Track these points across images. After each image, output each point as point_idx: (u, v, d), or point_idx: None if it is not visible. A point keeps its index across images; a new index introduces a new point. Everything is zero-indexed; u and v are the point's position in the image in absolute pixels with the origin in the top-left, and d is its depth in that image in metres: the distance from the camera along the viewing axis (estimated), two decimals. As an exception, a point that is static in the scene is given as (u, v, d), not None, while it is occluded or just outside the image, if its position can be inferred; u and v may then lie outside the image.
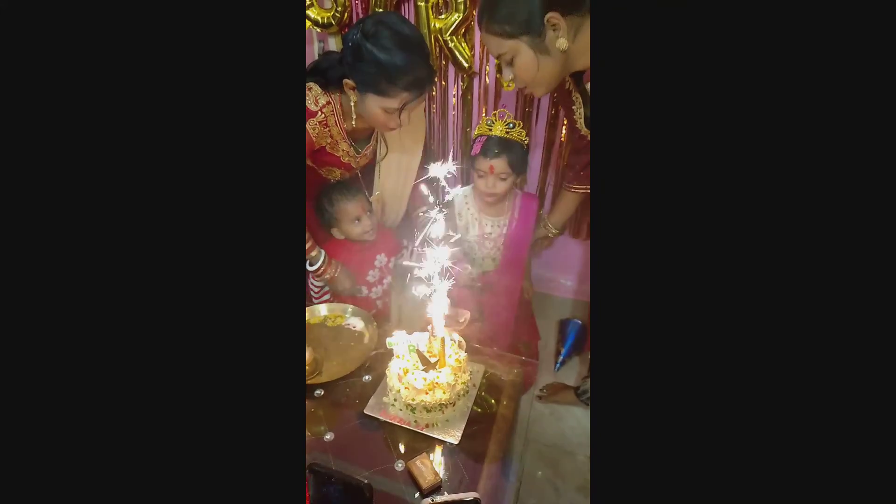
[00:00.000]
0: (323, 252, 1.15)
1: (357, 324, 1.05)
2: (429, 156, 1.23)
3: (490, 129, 1.14)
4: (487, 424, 0.86)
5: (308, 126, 0.99)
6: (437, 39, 1.31)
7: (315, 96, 0.98)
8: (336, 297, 1.25)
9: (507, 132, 1.13)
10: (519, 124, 1.14)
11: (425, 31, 1.30)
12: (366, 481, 0.52)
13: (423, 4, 1.27)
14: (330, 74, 0.97)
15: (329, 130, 1.02)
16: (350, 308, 1.08)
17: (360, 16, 1.40)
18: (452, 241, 0.80)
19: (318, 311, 1.08)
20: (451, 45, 1.30)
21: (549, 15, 0.81)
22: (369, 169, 1.20)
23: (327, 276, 1.17)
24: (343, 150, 1.08)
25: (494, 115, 1.17)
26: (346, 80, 0.94)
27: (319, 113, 0.99)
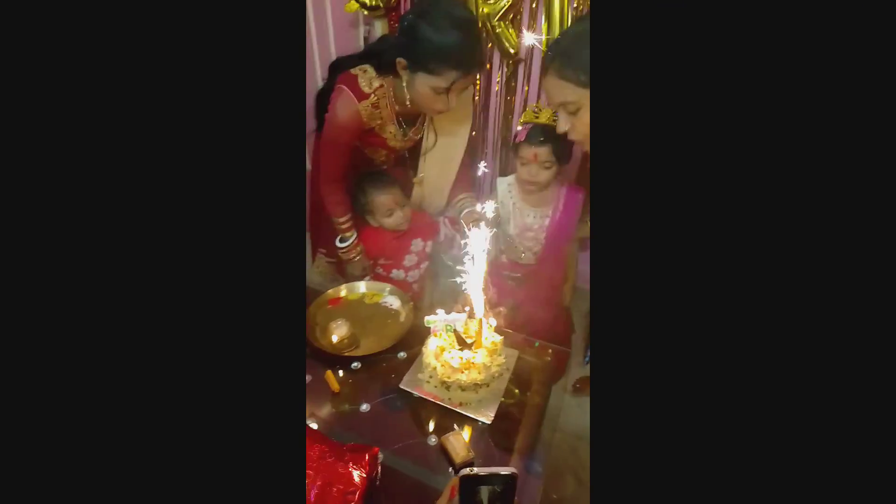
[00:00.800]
0: (355, 234, 1.19)
1: (394, 302, 1.08)
2: (473, 144, 1.24)
3: (536, 117, 1.14)
4: (519, 408, 0.87)
5: (360, 107, 1.01)
6: (484, 24, 1.31)
7: (369, 79, 1.01)
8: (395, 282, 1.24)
9: (553, 120, 1.11)
10: None
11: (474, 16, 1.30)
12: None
13: (470, -13, 1.26)
14: (384, 58, 0.99)
15: (380, 112, 1.04)
16: (388, 287, 1.11)
17: (408, 1, 1.40)
18: (492, 232, 0.81)
19: (357, 288, 1.11)
20: (497, 30, 1.29)
21: None
22: (414, 153, 1.21)
23: (349, 255, 1.21)
24: (390, 133, 1.10)
25: (541, 103, 1.17)
26: (398, 59, 0.95)
27: (372, 95, 1.01)
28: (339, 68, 1.06)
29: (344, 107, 1.01)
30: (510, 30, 1.30)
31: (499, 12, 1.27)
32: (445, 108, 0.97)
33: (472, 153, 1.29)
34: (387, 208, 1.20)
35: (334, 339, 0.94)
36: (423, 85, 0.93)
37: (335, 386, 0.87)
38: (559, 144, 1.12)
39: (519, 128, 1.17)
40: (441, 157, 1.20)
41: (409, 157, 1.22)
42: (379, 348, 0.95)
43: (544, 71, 0.93)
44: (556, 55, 0.87)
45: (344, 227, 1.18)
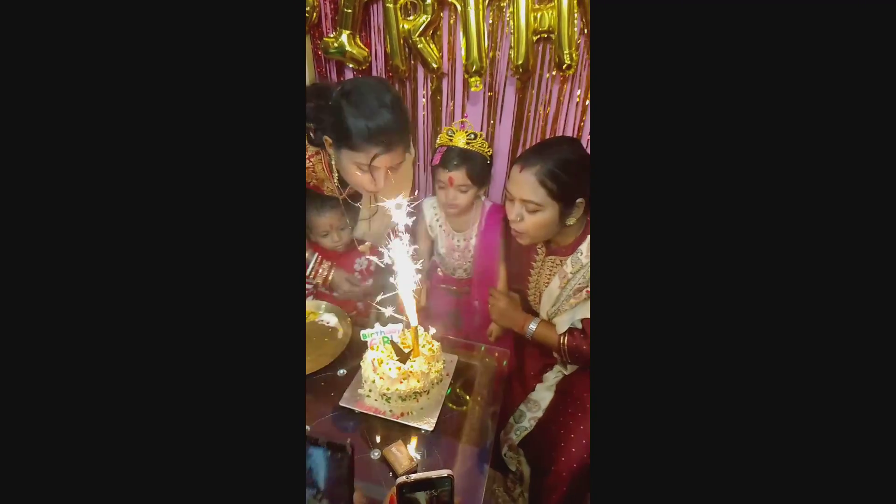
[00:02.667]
0: (316, 254, 1.18)
1: (330, 319, 1.06)
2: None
3: (451, 140, 1.13)
4: (461, 411, 0.89)
5: None
6: (405, 41, 1.34)
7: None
8: (339, 302, 1.20)
9: (468, 143, 1.13)
10: (481, 135, 1.13)
11: (394, 32, 1.32)
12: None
13: (391, 6, 1.29)
14: (316, 136, 1.00)
15: (317, 174, 1.07)
16: (324, 304, 1.09)
17: (330, 17, 1.41)
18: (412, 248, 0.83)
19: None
20: (419, 46, 1.33)
21: (580, 199, 0.99)
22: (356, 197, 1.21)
23: (319, 278, 1.18)
24: (328, 189, 1.12)
25: (455, 125, 1.16)
26: (325, 137, 0.97)
27: (308, 161, 1.04)
28: None
29: None
30: (431, 45, 1.34)
31: (419, 28, 1.31)
32: (374, 188, 0.97)
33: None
34: (323, 230, 1.20)
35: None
36: (348, 161, 0.94)
37: None
38: (475, 167, 1.12)
39: (435, 151, 1.19)
40: (382, 213, 1.20)
41: (347, 204, 1.21)
42: (317, 367, 0.93)
43: (521, 162, 1.00)
44: (539, 159, 0.96)
45: None
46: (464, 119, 1.18)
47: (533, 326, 1.15)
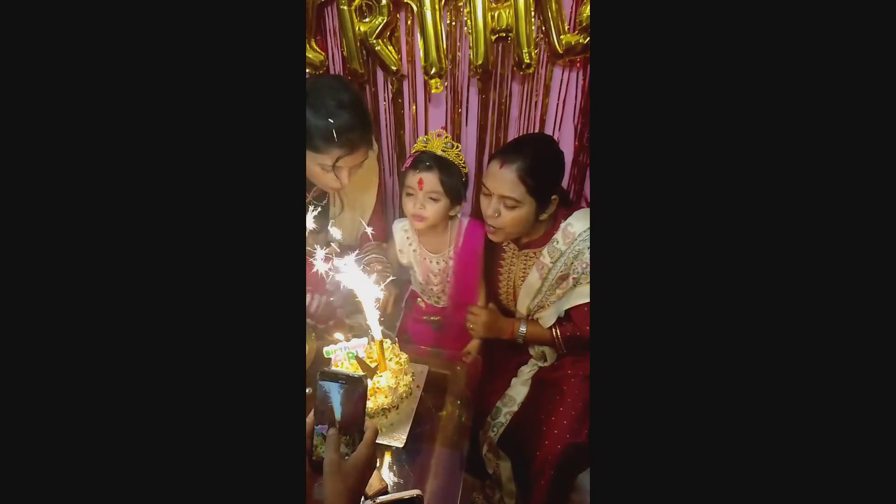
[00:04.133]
0: None
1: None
2: (383, 204, 1.23)
3: (426, 146, 1.09)
4: (433, 424, 0.87)
5: None
6: (362, 43, 1.30)
7: None
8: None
9: (443, 151, 1.06)
10: (458, 147, 1.07)
11: (350, 35, 1.29)
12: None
13: (345, 8, 1.25)
14: None
15: None
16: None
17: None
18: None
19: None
20: (377, 48, 1.30)
21: (555, 196, 1.00)
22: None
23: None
24: None
25: (432, 134, 1.10)
26: None
27: None
28: None
29: None
30: (389, 47, 1.31)
31: (376, 30, 1.28)
32: (338, 186, 0.96)
33: (383, 202, 1.27)
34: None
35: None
36: (311, 162, 0.92)
37: None
38: (449, 176, 1.05)
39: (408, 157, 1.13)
40: (350, 217, 1.17)
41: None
42: (282, 387, 0.89)
43: (500, 157, 0.98)
44: (518, 155, 0.94)
45: None
46: (440, 130, 1.12)
47: (523, 329, 1.13)
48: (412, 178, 1.06)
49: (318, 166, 0.92)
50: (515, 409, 1.10)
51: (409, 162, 1.09)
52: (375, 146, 1.14)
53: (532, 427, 1.02)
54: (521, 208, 0.97)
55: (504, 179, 0.95)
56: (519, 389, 1.14)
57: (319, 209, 1.14)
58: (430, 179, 1.04)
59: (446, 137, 1.09)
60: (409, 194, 1.08)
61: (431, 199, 1.05)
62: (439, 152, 1.06)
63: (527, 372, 1.18)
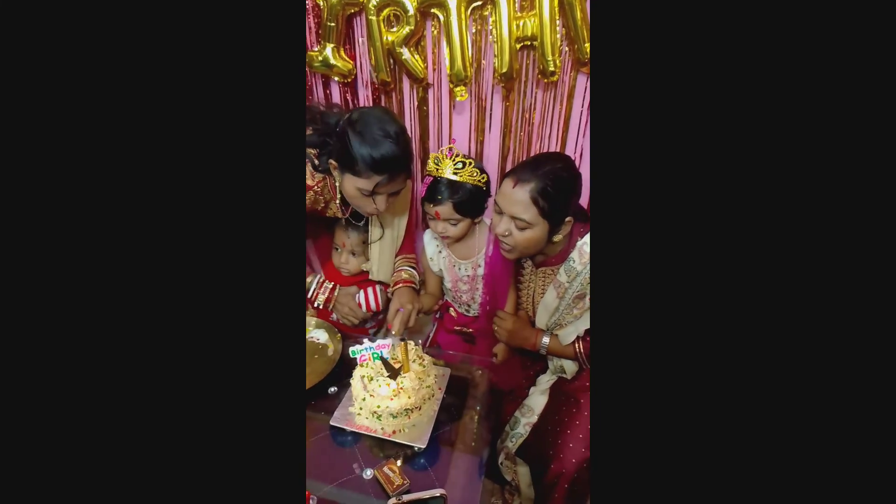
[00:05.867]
0: (316, 276, 1.17)
1: (321, 336, 1.05)
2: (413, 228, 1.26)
3: (437, 169, 1.06)
4: (454, 427, 0.88)
5: (306, 197, 1.05)
6: (389, 53, 1.34)
7: (311, 172, 1.04)
8: (346, 328, 1.19)
9: (455, 172, 1.04)
10: (470, 163, 1.05)
11: (377, 45, 1.32)
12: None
13: (374, 18, 1.29)
14: (321, 161, 1.02)
15: (323, 197, 1.07)
16: (313, 321, 1.08)
17: (313, 32, 1.41)
18: None
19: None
20: (403, 57, 1.33)
21: (569, 217, 0.98)
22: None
23: (321, 299, 1.17)
24: (332, 212, 1.12)
25: (443, 152, 1.08)
26: (331, 161, 0.99)
27: (315, 186, 1.05)
28: None
29: None
30: (416, 56, 1.34)
31: (403, 40, 1.31)
32: (374, 211, 1.00)
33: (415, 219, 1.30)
34: (335, 244, 1.21)
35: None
36: (351, 185, 0.96)
37: None
38: (464, 199, 1.05)
39: (423, 179, 1.13)
40: (389, 239, 1.21)
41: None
42: (307, 385, 0.92)
43: (514, 176, 0.96)
44: (534, 176, 0.92)
45: None
46: (450, 146, 1.09)
47: (546, 340, 1.11)
48: (429, 208, 1.08)
49: (357, 189, 0.95)
50: (535, 419, 1.09)
51: (423, 190, 1.09)
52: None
53: (548, 438, 1.01)
54: (533, 229, 0.95)
55: (516, 200, 0.93)
56: (537, 399, 1.13)
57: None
58: (445, 210, 1.06)
59: (457, 155, 1.06)
60: (430, 219, 1.11)
61: (451, 224, 1.09)
62: (451, 175, 1.04)
63: (545, 381, 1.17)
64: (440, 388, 0.92)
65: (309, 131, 1.02)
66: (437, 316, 1.37)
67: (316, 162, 1.02)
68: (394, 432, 0.83)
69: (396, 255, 1.25)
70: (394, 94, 1.45)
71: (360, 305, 1.21)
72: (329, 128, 0.97)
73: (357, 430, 0.84)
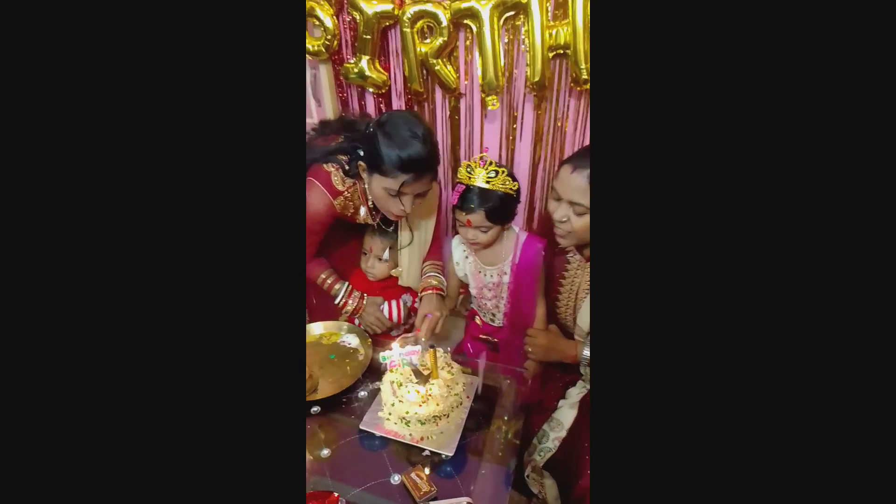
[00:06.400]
0: (345, 284, 1.19)
1: (352, 340, 1.07)
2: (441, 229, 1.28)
3: (469, 178, 1.05)
4: (482, 435, 0.87)
5: (334, 202, 1.07)
6: (422, 64, 1.36)
7: (342, 178, 1.07)
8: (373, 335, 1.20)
9: (487, 181, 1.04)
10: (503, 171, 1.04)
11: (411, 56, 1.35)
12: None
13: (408, 30, 1.32)
14: (350, 166, 1.05)
15: (353, 203, 1.10)
16: (345, 325, 1.11)
17: (349, 44, 1.45)
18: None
19: (313, 330, 1.10)
20: (436, 68, 1.35)
21: None
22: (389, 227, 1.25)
23: (350, 308, 1.19)
24: (362, 217, 1.15)
25: (476, 161, 1.07)
26: (359, 163, 1.02)
27: (345, 192, 1.08)
28: (310, 154, 1.09)
29: (317, 200, 1.06)
30: (448, 67, 1.36)
31: (436, 50, 1.33)
32: (400, 213, 1.02)
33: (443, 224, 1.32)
34: (364, 246, 1.24)
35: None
36: (378, 186, 0.98)
37: None
38: (495, 207, 1.04)
39: (454, 186, 1.12)
40: (418, 244, 1.23)
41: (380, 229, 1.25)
42: (338, 389, 0.94)
43: (572, 162, 0.95)
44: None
45: (328, 283, 1.18)
46: (483, 154, 1.09)
47: (587, 352, 1.08)
48: (461, 216, 1.08)
49: (384, 190, 0.97)
50: (563, 434, 1.06)
51: (455, 198, 1.08)
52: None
53: (577, 454, 0.99)
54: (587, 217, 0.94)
55: (574, 185, 0.93)
56: (566, 413, 1.10)
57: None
58: (477, 218, 1.05)
59: (490, 163, 1.06)
60: (460, 226, 1.11)
61: (482, 231, 1.08)
62: (483, 184, 1.04)
63: (575, 394, 1.14)
64: (468, 397, 0.92)
65: (340, 139, 1.05)
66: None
67: (346, 167, 1.05)
68: (422, 438, 0.83)
69: (424, 261, 1.27)
70: (426, 104, 1.47)
71: (389, 317, 1.23)
72: (359, 134, 0.99)
73: (386, 435, 0.85)
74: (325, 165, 1.06)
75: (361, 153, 1.00)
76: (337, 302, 1.19)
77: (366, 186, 1.05)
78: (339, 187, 1.06)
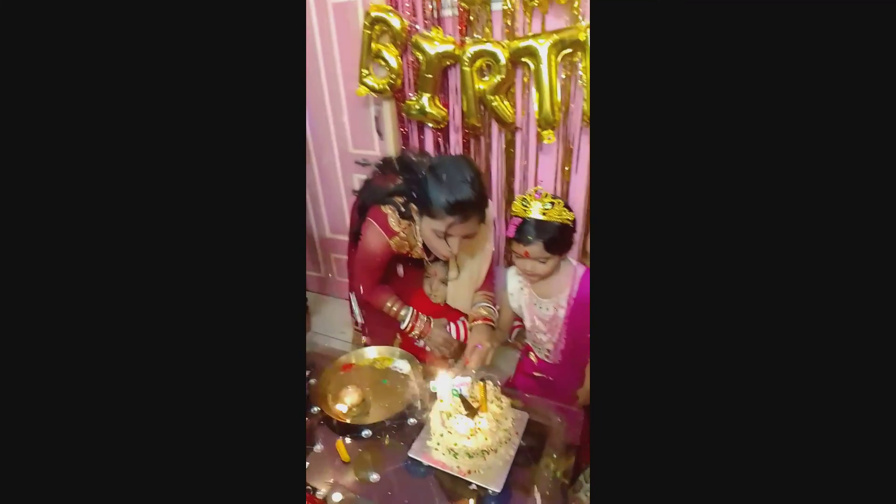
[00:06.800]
0: (410, 309, 1.23)
1: (403, 367, 1.10)
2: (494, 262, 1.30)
3: (525, 210, 1.05)
4: (530, 473, 0.85)
5: (390, 241, 1.13)
6: (480, 100, 1.42)
7: (397, 219, 1.13)
8: (422, 356, 1.22)
9: (544, 212, 1.03)
10: (560, 203, 1.04)
11: (469, 93, 1.41)
12: None
13: (468, 69, 1.38)
14: (406, 208, 1.11)
15: (408, 242, 1.16)
16: (398, 352, 1.14)
17: (412, 83, 1.54)
18: None
19: (367, 354, 1.14)
20: (493, 103, 1.40)
21: None
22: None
23: (416, 331, 1.23)
24: (417, 254, 1.20)
25: (531, 194, 1.07)
26: (411, 205, 1.08)
27: (401, 232, 1.14)
28: (371, 195, 1.17)
29: (375, 239, 1.12)
30: (505, 102, 1.40)
31: (493, 87, 1.38)
32: (447, 254, 1.06)
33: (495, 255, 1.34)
34: (428, 270, 1.28)
35: (343, 407, 0.96)
36: (427, 227, 1.03)
37: (345, 456, 0.88)
38: (553, 238, 1.03)
39: (510, 219, 1.13)
40: (466, 279, 1.26)
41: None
42: (388, 414, 0.96)
43: None
44: None
45: (395, 310, 1.23)
46: (538, 188, 1.10)
47: None
48: (518, 248, 1.07)
49: (433, 231, 1.02)
50: None
51: (511, 230, 1.08)
52: (487, 219, 1.18)
53: None
54: None
55: None
56: None
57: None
58: (535, 250, 1.05)
59: (545, 196, 1.06)
60: (517, 257, 1.10)
61: (540, 262, 1.07)
62: (540, 216, 1.03)
63: None
64: (517, 433, 0.91)
65: (399, 181, 1.11)
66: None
67: (402, 210, 1.10)
68: (469, 472, 0.83)
69: (476, 291, 1.28)
70: (482, 138, 1.52)
71: (456, 337, 1.25)
72: (415, 176, 1.04)
73: (433, 465, 0.85)
74: (382, 207, 1.12)
75: (415, 195, 1.05)
76: (404, 327, 1.22)
77: (417, 228, 1.09)
78: (395, 228, 1.11)
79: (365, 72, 1.55)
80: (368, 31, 1.48)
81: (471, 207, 0.97)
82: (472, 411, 0.85)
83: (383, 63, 1.52)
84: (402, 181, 1.10)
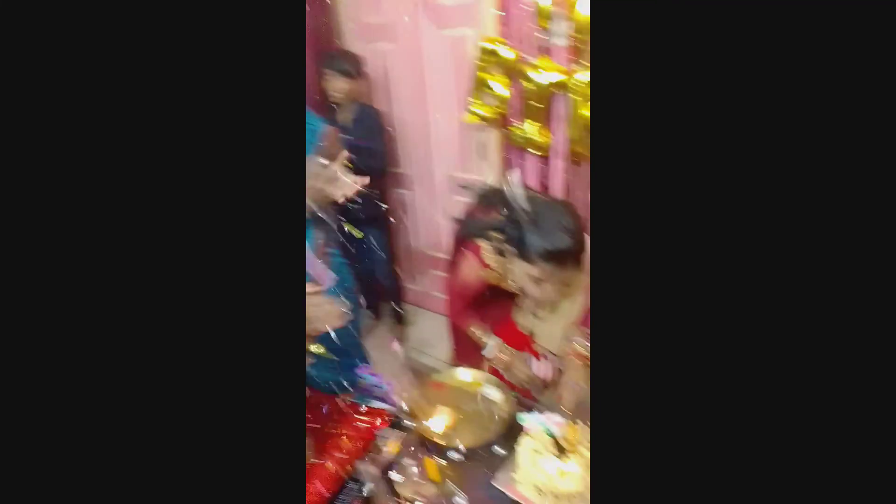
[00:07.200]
0: (495, 339, 1.24)
1: (494, 394, 1.11)
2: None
3: None
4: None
5: (484, 273, 1.16)
6: (586, 126, 1.39)
7: (492, 254, 1.16)
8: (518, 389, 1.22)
9: None
10: None
11: (577, 120, 1.39)
12: None
13: (574, 97, 1.37)
14: (501, 245, 1.12)
15: (502, 275, 1.18)
16: (493, 379, 1.15)
17: (520, 111, 1.57)
18: None
19: (460, 375, 1.18)
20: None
21: None
22: None
23: (499, 363, 1.23)
24: (511, 287, 1.22)
25: None
26: (506, 244, 1.09)
27: (496, 267, 1.16)
28: (469, 228, 1.21)
29: (469, 270, 1.17)
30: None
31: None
32: (537, 297, 1.06)
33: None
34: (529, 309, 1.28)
35: (437, 428, 1.00)
36: (520, 270, 1.04)
37: (436, 476, 0.92)
38: None
39: None
40: (558, 317, 1.24)
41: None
42: (478, 441, 0.98)
43: None
44: None
45: (480, 336, 1.25)
46: None
47: None
48: None
49: (526, 275, 1.01)
50: None
51: None
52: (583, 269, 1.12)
53: None
54: None
55: None
56: None
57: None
58: None
59: None
60: None
61: None
62: None
63: None
64: (608, 481, 0.87)
65: (498, 215, 1.13)
66: None
67: (499, 246, 1.10)
68: (555, 513, 0.82)
69: (572, 324, 1.24)
70: (583, 164, 1.48)
71: (538, 375, 1.23)
72: (513, 215, 1.05)
73: (517, 499, 0.85)
74: (477, 240, 1.14)
75: (511, 236, 1.05)
76: (486, 354, 1.24)
77: (510, 266, 1.10)
78: (490, 262, 1.13)
79: (474, 100, 1.62)
80: (480, 63, 1.55)
81: (568, 257, 0.96)
82: (562, 452, 0.83)
83: (492, 92, 1.57)
84: (500, 217, 1.12)
